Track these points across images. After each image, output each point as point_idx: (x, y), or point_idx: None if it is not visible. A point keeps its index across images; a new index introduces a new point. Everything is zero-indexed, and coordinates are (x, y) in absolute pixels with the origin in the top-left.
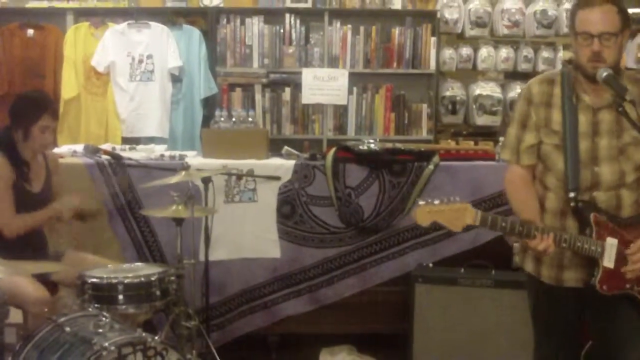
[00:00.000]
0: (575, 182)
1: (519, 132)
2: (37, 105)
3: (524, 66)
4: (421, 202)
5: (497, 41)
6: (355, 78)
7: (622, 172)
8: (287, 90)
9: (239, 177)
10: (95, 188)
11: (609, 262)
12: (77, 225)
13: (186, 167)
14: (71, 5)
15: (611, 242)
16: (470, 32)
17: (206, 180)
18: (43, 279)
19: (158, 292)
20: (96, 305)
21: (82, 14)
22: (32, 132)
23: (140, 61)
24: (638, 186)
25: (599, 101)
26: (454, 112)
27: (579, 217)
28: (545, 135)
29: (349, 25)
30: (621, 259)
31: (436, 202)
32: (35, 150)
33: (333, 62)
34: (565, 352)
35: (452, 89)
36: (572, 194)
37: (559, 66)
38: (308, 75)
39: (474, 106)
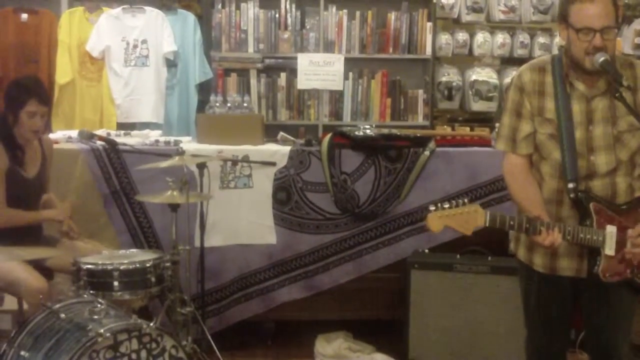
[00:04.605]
0: (574, 172)
1: (513, 121)
2: (23, 90)
3: (520, 52)
4: (432, 208)
5: (493, 27)
6: (350, 63)
7: (619, 160)
8: (283, 75)
9: (234, 162)
10: (90, 174)
11: (610, 249)
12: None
13: (181, 153)
14: None
15: (611, 230)
16: (467, 17)
17: (201, 166)
18: (38, 265)
19: (153, 279)
20: (91, 291)
21: None
22: (20, 117)
23: (135, 46)
24: (631, 171)
25: (592, 90)
26: (449, 97)
27: (579, 207)
28: (539, 125)
29: (345, 10)
30: (621, 245)
31: (446, 205)
32: (24, 136)
33: (329, 47)
34: (558, 341)
35: (448, 75)
36: (571, 185)
37: (555, 52)
38: (304, 61)
39: (470, 92)
